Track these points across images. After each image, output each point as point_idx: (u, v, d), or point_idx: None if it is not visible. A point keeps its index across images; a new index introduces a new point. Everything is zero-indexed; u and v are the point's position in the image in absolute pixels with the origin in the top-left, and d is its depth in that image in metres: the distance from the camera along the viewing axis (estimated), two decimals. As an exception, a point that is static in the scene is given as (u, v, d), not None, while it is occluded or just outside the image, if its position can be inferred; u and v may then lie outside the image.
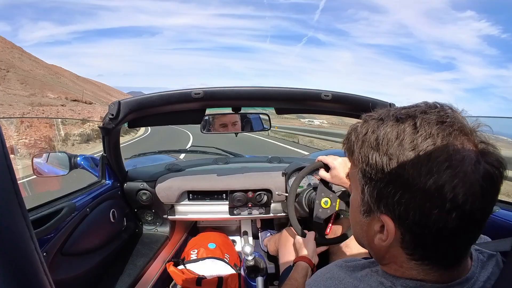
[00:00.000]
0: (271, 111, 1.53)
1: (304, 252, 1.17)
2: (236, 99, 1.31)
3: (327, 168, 1.20)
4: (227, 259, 1.65)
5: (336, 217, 1.42)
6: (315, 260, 1.19)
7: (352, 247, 1.29)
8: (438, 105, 0.46)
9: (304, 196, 1.42)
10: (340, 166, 1.12)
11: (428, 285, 0.46)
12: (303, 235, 1.25)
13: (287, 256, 1.35)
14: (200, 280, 1.44)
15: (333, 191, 1.30)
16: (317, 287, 0.59)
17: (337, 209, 1.26)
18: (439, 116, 0.43)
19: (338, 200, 1.27)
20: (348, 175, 0.57)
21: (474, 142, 0.42)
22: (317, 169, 1.45)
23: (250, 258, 1.37)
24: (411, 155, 0.41)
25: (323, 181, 1.26)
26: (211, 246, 1.69)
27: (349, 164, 0.54)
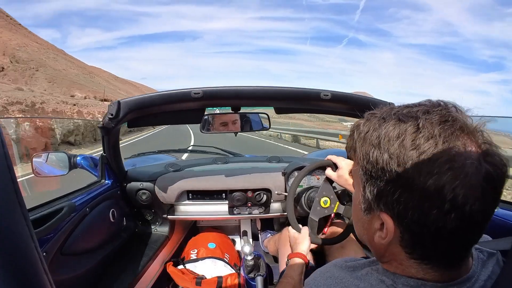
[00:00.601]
0: (271, 110, 1.53)
1: (298, 248, 1.16)
2: (235, 98, 1.31)
3: (334, 167, 1.19)
4: (227, 259, 1.64)
5: (334, 219, 1.42)
6: (310, 257, 1.19)
7: (348, 248, 1.29)
8: (441, 103, 0.45)
9: (304, 195, 1.42)
10: (347, 167, 1.10)
11: (429, 284, 0.45)
12: (298, 231, 1.25)
13: (287, 255, 1.35)
14: (200, 280, 1.44)
15: (335, 193, 1.30)
16: (317, 286, 0.59)
17: (335, 211, 1.26)
18: (441, 115, 0.42)
19: (338, 203, 1.27)
20: (350, 173, 0.57)
21: (477, 142, 0.42)
22: (319, 169, 1.45)
23: (249, 258, 1.37)
24: (412, 155, 0.41)
25: (328, 180, 1.25)
26: (211, 246, 1.69)
27: None
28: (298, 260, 1.10)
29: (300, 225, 1.27)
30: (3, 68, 42.11)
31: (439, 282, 0.46)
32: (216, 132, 1.56)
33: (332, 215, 1.29)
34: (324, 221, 1.31)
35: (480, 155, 0.41)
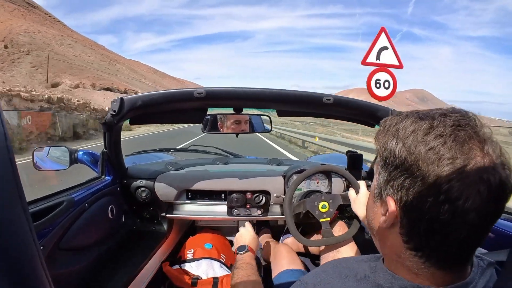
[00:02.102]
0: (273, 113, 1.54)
1: (251, 244, 1.31)
2: (238, 99, 1.31)
3: (356, 190, 1.18)
4: (223, 259, 1.64)
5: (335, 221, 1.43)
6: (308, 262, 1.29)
7: (342, 252, 1.30)
8: (461, 111, 0.48)
9: (302, 198, 1.43)
10: (366, 196, 1.09)
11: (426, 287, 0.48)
12: (294, 233, 1.32)
13: (278, 267, 1.37)
14: (195, 280, 1.44)
15: (332, 197, 1.31)
16: (316, 281, 0.60)
17: (332, 216, 1.28)
18: (456, 120, 0.46)
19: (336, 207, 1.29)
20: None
21: (485, 149, 0.44)
22: (319, 173, 1.46)
23: None
24: (421, 148, 0.45)
25: (344, 198, 1.28)
26: (208, 246, 1.69)
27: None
28: (251, 254, 1.25)
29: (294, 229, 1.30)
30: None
31: (433, 284, 0.48)
32: (218, 133, 1.56)
33: (330, 219, 1.29)
34: (323, 224, 1.31)
35: (485, 162, 0.43)
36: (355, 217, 1.27)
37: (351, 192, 1.17)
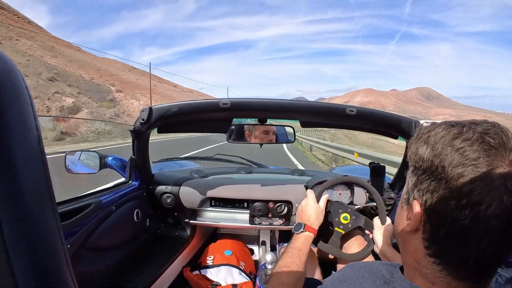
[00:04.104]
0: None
1: (311, 219, 1.15)
2: (262, 110, 1.33)
3: (383, 221, 1.18)
4: (242, 266, 1.65)
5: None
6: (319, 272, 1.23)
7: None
8: (493, 123, 0.48)
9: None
10: (389, 233, 1.12)
11: None
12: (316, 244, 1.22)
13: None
14: (214, 287, 1.45)
15: (355, 210, 1.28)
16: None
17: (356, 225, 1.25)
18: (485, 128, 0.46)
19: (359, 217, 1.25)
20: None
21: (511, 159, 0.44)
22: (341, 184, 1.44)
23: (270, 266, 1.36)
24: (448, 150, 0.46)
25: (366, 222, 1.25)
26: (227, 253, 1.71)
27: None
28: (308, 233, 1.10)
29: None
30: None
31: None
32: (242, 142, 1.59)
33: (344, 233, 1.26)
34: (335, 233, 1.28)
35: (511, 171, 0.43)
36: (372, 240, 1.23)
37: (377, 220, 1.17)
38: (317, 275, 1.30)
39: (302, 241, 1.06)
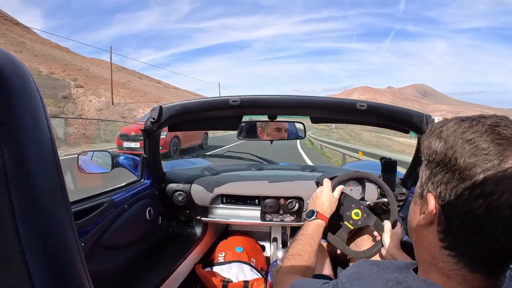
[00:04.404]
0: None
1: (323, 207, 1.15)
2: (272, 107, 1.33)
3: (393, 226, 1.19)
4: (253, 263, 1.66)
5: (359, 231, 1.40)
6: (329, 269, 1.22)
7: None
8: (502, 116, 0.50)
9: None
10: (397, 236, 1.13)
11: None
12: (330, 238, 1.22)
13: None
14: (226, 283, 1.46)
15: (367, 206, 1.27)
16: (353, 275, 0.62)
17: (365, 223, 1.24)
18: (494, 121, 0.47)
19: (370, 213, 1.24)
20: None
21: None
22: (352, 179, 1.43)
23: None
24: (459, 142, 0.47)
25: (377, 223, 1.24)
26: (238, 249, 1.71)
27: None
28: (319, 221, 1.09)
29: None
30: None
31: None
32: (253, 139, 1.59)
33: (353, 228, 1.26)
34: (344, 227, 1.27)
35: None
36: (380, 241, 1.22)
37: (387, 223, 1.17)
38: (328, 272, 1.30)
39: (314, 229, 1.06)
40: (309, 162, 9.03)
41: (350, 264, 1.36)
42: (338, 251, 1.49)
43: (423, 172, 0.54)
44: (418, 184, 0.57)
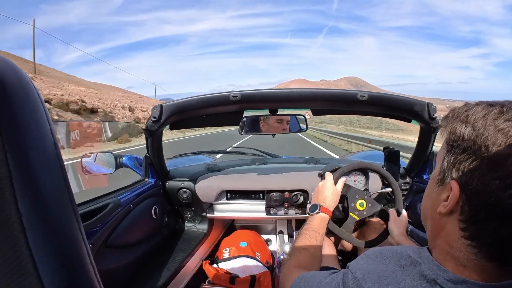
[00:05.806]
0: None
1: (327, 201, 1.14)
2: (273, 101, 1.32)
3: (398, 214, 1.20)
4: (258, 257, 1.66)
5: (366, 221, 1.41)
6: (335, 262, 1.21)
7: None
8: None
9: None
10: (402, 223, 1.14)
11: (471, 282, 0.47)
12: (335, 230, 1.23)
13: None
14: (233, 278, 1.47)
15: (368, 194, 1.27)
16: (364, 265, 0.60)
17: (371, 213, 1.24)
18: None
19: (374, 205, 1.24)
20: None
21: None
22: (356, 170, 1.43)
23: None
24: (490, 129, 0.45)
25: (382, 212, 1.25)
26: (243, 244, 1.72)
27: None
28: (323, 215, 1.09)
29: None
30: None
31: (481, 279, 0.47)
32: (255, 134, 1.59)
33: (358, 219, 1.26)
34: (349, 218, 1.28)
35: None
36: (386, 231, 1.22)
37: (393, 212, 1.17)
38: (335, 265, 1.30)
39: (318, 222, 1.06)
40: (328, 152, 9.14)
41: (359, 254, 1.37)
42: (345, 244, 1.49)
43: (445, 158, 0.52)
44: (437, 169, 0.55)
